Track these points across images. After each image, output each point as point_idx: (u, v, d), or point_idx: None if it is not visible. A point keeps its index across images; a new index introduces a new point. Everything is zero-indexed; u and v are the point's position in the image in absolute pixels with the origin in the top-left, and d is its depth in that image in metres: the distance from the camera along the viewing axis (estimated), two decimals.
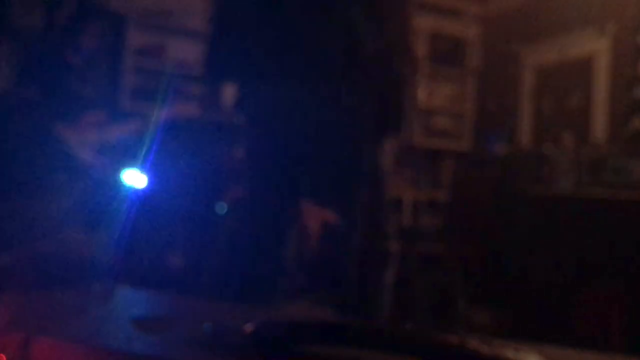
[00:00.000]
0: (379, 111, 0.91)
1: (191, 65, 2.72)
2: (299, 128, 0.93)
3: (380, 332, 0.37)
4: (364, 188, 0.90)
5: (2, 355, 0.37)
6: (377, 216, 0.97)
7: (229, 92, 1.05)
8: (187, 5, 2.66)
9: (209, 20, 1.03)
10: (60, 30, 1.87)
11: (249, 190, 1.04)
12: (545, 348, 0.42)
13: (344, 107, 0.92)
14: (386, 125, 0.95)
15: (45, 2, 1.96)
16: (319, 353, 0.37)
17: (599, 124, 2.68)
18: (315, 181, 1.00)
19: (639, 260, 1.48)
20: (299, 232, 1.03)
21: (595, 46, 2.76)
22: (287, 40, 0.90)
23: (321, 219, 2.09)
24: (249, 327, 0.38)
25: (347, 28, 0.89)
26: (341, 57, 0.90)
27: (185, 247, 1.81)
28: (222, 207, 1.93)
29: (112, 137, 1.81)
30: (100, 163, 1.69)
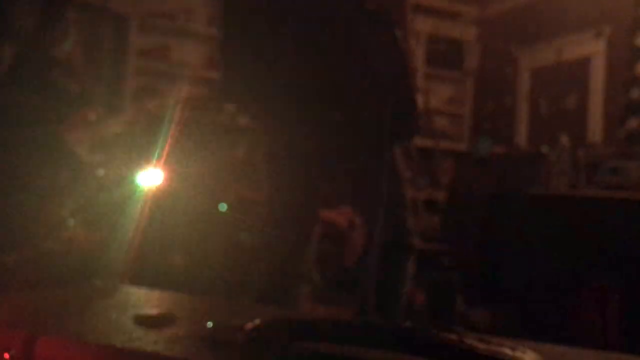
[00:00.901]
0: (393, 118, 0.94)
1: (194, 67, 2.73)
2: (319, 135, 0.96)
3: (379, 330, 0.38)
4: (384, 189, 0.93)
5: (5, 353, 0.37)
6: (401, 214, 0.99)
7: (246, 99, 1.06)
8: (190, 8, 2.67)
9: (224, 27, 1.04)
10: (63, 31, 1.87)
11: (270, 194, 1.06)
12: (541, 346, 0.42)
13: (360, 114, 0.94)
14: (400, 131, 0.98)
15: (49, 4, 1.95)
16: (318, 350, 0.37)
17: (596, 125, 2.70)
18: (337, 183, 1.03)
19: (635, 259, 1.50)
20: (320, 233, 1.05)
21: (591, 48, 2.77)
22: (302, 49, 0.92)
23: (346, 220, 2.08)
24: (250, 325, 0.39)
25: (359, 43, 0.91)
26: (355, 67, 0.92)
27: (186, 247, 1.82)
28: (222, 207, 1.94)
29: (109, 133, 1.80)
30: (104, 163, 1.68)
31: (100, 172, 1.53)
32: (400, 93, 0.96)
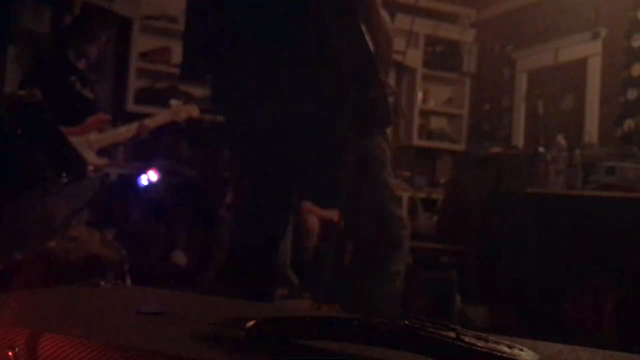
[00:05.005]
0: (358, 110, 0.92)
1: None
2: (285, 127, 0.95)
3: (377, 328, 0.38)
4: (358, 178, 0.91)
5: (9, 351, 0.37)
6: (382, 202, 0.94)
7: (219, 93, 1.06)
8: None
9: (192, 22, 1.04)
10: (67, 34, 1.88)
11: (237, 190, 1.05)
12: (538, 344, 0.43)
13: (323, 107, 0.93)
14: (369, 123, 0.96)
15: (53, 7, 1.96)
16: (317, 348, 0.38)
17: (592, 126, 2.72)
18: (308, 179, 1.01)
19: (631, 257, 1.51)
20: (296, 229, 1.04)
21: (588, 50, 2.79)
22: (269, 42, 0.92)
23: (319, 217, 2.09)
24: (250, 323, 0.39)
25: (324, 30, 0.90)
26: (321, 58, 0.91)
27: (188, 245, 1.83)
28: (221, 207, 1.94)
29: (118, 140, 1.81)
30: (106, 163, 1.69)
31: (106, 172, 1.54)
32: (363, 87, 0.92)
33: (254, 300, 0.89)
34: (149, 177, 1.32)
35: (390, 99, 1.00)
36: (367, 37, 0.93)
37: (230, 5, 0.94)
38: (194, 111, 2.00)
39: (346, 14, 0.93)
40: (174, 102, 2.32)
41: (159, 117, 1.94)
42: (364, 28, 0.93)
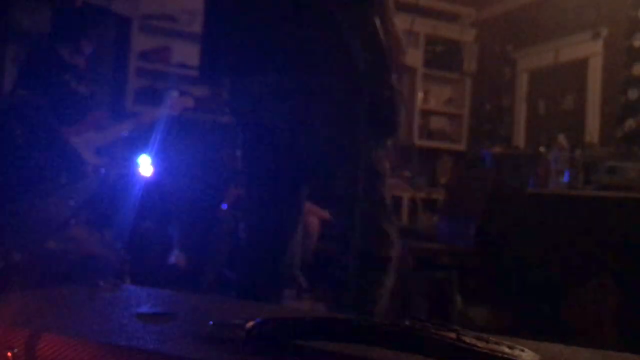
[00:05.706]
0: (371, 112, 0.93)
1: (195, 68, 2.73)
2: (291, 127, 0.95)
3: (378, 329, 0.38)
4: (360, 188, 0.91)
5: (8, 352, 0.37)
6: (376, 217, 0.94)
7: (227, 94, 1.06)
8: (191, 10, 2.67)
9: (204, 24, 1.04)
10: (66, 33, 1.87)
11: (248, 191, 1.05)
12: (539, 344, 0.43)
13: (336, 108, 0.93)
14: (380, 126, 0.96)
15: (52, 5, 1.95)
16: (317, 349, 0.38)
17: (593, 125, 2.72)
18: (312, 181, 1.01)
19: (632, 257, 1.51)
20: (299, 231, 1.03)
21: (589, 49, 2.79)
22: (278, 43, 0.92)
23: (319, 217, 2.08)
24: (250, 324, 0.39)
25: (335, 32, 0.90)
26: (331, 59, 0.91)
27: (187, 246, 1.83)
28: (223, 207, 1.94)
29: (116, 137, 1.81)
30: (104, 162, 1.69)
31: (104, 171, 1.53)
32: (377, 88, 0.93)
33: (254, 301, 0.90)
34: (144, 166, 1.31)
35: (401, 104, 1.00)
36: (382, 39, 0.93)
37: (244, 8, 0.94)
38: (189, 102, 2.00)
39: (362, 15, 0.92)
40: (171, 94, 2.32)
41: (156, 111, 1.94)
42: (380, 30, 0.92)
